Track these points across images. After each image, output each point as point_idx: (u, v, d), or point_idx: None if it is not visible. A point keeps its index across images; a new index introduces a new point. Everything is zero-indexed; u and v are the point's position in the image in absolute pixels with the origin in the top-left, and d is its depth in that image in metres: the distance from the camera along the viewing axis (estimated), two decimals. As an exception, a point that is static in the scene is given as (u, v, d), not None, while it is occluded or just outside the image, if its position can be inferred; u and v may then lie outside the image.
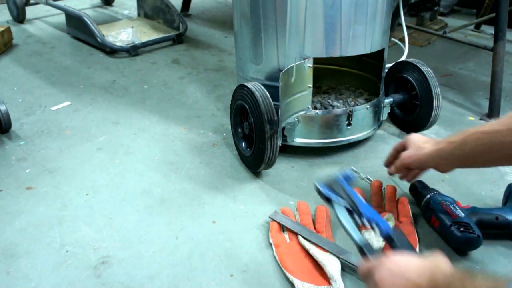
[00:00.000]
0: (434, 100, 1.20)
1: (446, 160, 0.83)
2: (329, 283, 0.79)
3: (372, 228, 0.75)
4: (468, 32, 2.22)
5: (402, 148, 0.93)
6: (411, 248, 0.72)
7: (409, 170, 0.94)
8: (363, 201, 0.78)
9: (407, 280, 0.57)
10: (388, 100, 1.25)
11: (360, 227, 0.79)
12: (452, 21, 2.34)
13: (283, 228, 0.93)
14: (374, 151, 1.23)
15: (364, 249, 0.73)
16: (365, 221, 0.75)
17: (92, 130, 1.33)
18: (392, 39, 1.70)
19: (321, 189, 0.80)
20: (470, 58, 1.90)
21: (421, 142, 0.88)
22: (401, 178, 0.98)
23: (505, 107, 1.45)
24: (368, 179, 1.07)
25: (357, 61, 1.38)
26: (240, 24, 1.17)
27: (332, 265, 0.81)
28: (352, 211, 0.77)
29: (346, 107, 1.20)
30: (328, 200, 0.80)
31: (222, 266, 0.85)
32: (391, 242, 0.73)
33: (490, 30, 2.17)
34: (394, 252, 0.69)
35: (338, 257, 0.83)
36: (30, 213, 0.99)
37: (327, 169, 1.15)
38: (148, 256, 0.88)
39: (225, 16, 2.50)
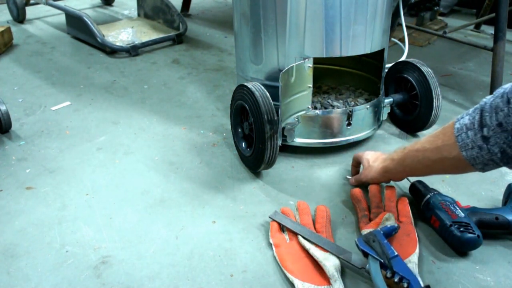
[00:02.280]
0: (434, 100, 1.20)
1: (391, 174, 0.98)
2: (329, 283, 0.79)
3: (402, 284, 0.77)
4: (468, 32, 2.22)
5: (357, 163, 1.09)
6: None
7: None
8: (397, 256, 0.79)
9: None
10: (388, 100, 1.25)
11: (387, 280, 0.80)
12: (452, 21, 2.34)
13: (283, 228, 0.93)
14: (374, 151, 1.22)
15: None
16: (396, 278, 0.77)
17: (92, 130, 1.33)
18: (392, 39, 1.70)
19: (359, 244, 0.83)
20: (470, 58, 1.90)
21: (371, 161, 1.02)
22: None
23: (505, 107, 1.44)
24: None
25: (357, 61, 1.38)
26: (240, 24, 1.17)
27: (332, 265, 0.81)
28: (386, 265, 0.79)
29: (346, 107, 1.20)
30: (365, 254, 0.82)
31: (222, 266, 0.85)
32: None
33: (490, 30, 2.17)
34: None
35: (338, 257, 0.83)
36: (30, 213, 0.99)
37: (327, 169, 1.15)
38: (148, 256, 0.88)
39: (225, 16, 2.50)
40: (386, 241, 0.82)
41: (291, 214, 0.95)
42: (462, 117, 0.78)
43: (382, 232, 0.84)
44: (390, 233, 0.86)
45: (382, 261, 0.79)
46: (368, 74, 1.37)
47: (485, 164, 0.76)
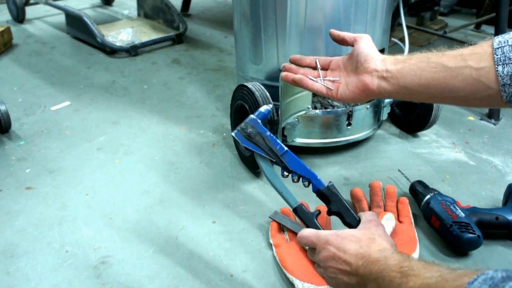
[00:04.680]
0: (434, 100, 1.20)
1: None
2: (329, 283, 0.79)
3: (303, 183, 0.70)
4: (468, 32, 2.22)
5: (351, 44, 0.77)
6: (344, 205, 0.69)
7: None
8: (287, 151, 0.71)
9: (349, 265, 0.59)
10: (388, 100, 1.25)
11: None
12: (452, 21, 2.34)
13: (283, 228, 0.93)
14: (374, 151, 1.23)
15: (298, 212, 0.70)
16: (294, 177, 0.70)
17: (92, 130, 1.33)
18: (392, 39, 1.69)
19: (239, 140, 0.71)
20: (470, 58, 1.89)
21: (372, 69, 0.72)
22: None
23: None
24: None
25: (357, 61, 1.38)
26: (240, 24, 1.17)
27: (332, 265, 0.80)
28: (277, 164, 0.70)
29: (346, 107, 1.20)
30: (250, 151, 0.72)
31: (222, 266, 0.85)
32: (324, 199, 0.70)
33: (490, 30, 2.17)
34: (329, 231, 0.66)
35: (338, 257, 0.83)
36: (30, 213, 0.99)
37: (327, 169, 1.15)
38: (148, 256, 0.88)
39: (225, 16, 2.50)
40: (268, 132, 0.71)
41: (291, 214, 0.95)
42: None
43: (258, 120, 0.72)
44: (265, 118, 0.75)
45: (272, 159, 0.70)
46: (368, 74, 1.36)
47: None
